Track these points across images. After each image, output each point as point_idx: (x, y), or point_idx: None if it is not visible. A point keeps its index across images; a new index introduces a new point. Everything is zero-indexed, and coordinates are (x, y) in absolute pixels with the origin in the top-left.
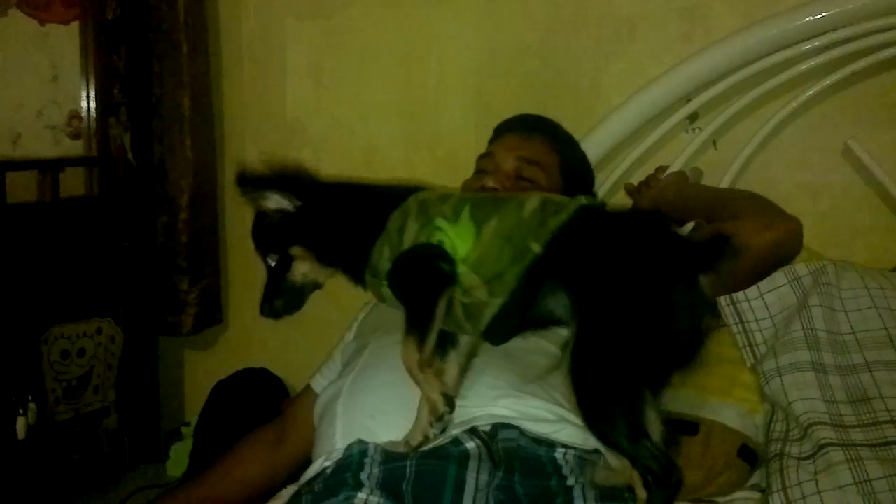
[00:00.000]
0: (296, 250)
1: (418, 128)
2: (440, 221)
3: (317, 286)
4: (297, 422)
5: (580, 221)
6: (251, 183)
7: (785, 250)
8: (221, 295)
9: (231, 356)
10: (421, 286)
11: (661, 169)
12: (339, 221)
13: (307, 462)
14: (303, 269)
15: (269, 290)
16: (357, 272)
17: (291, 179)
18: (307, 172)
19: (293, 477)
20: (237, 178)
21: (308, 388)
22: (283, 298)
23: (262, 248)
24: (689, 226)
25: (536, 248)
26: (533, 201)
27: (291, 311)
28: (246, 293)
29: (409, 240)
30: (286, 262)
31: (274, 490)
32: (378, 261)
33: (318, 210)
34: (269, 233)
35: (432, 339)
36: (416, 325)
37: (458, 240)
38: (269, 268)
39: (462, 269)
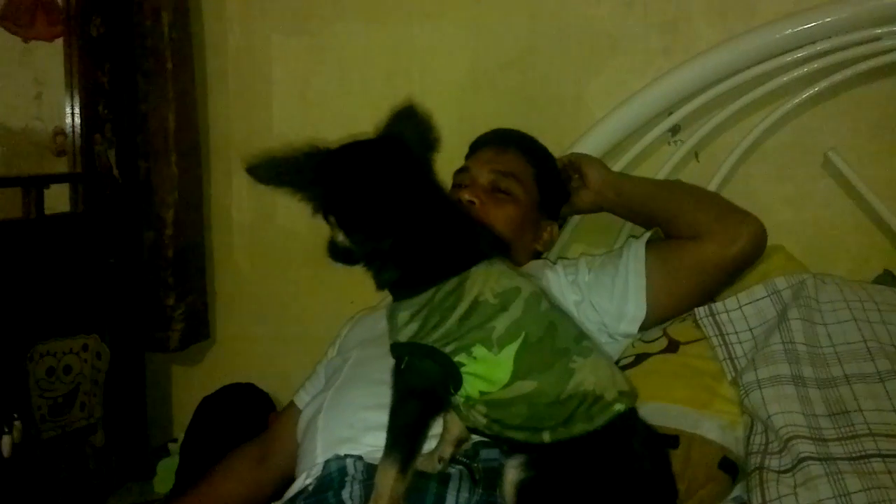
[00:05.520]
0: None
1: None
2: (478, 350)
3: None
4: (280, 438)
5: (602, 437)
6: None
7: (751, 257)
8: (208, 310)
9: (219, 371)
10: (411, 410)
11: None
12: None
13: (292, 478)
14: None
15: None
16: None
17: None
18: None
19: (278, 493)
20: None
21: (291, 404)
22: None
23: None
24: (646, 235)
25: (547, 438)
26: (578, 383)
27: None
28: (233, 308)
29: (440, 335)
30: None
31: None
32: (402, 324)
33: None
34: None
35: (413, 470)
36: (399, 451)
37: (488, 373)
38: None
39: (473, 395)
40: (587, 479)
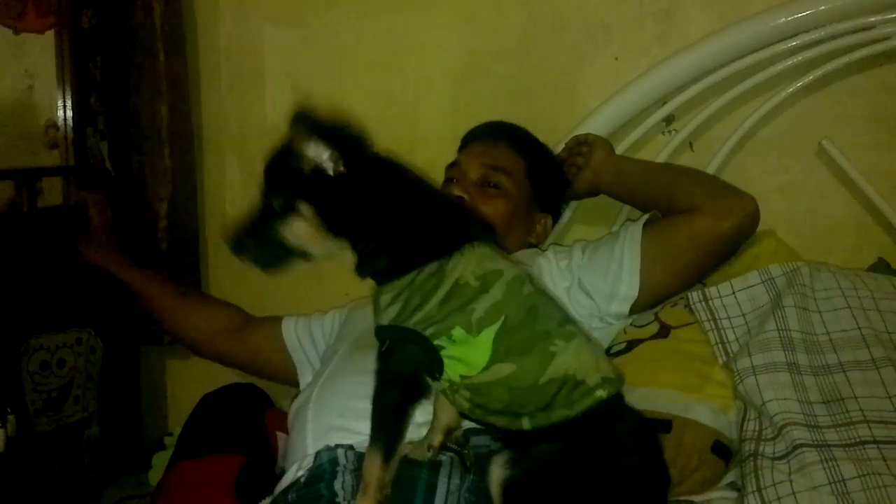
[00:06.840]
0: (304, 207)
1: (397, 134)
2: (458, 332)
3: (305, 258)
4: (257, 331)
5: (583, 425)
6: (307, 126)
7: (744, 234)
8: None
9: (213, 365)
10: (392, 397)
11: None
12: (377, 199)
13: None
14: (300, 230)
15: (248, 225)
16: (368, 256)
17: (348, 141)
18: (360, 138)
19: (269, 491)
20: (295, 116)
21: (278, 318)
22: (259, 244)
23: (270, 183)
24: (644, 217)
25: (526, 424)
26: (558, 367)
27: (264, 264)
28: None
29: (421, 317)
30: (286, 212)
31: (194, 349)
32: (384, 306)
33: (357, 182)
34: (286, 173)
35: (398, 457)
36: (383, 439)
37: (467, 356)
38: (263, 205)
39: (455, 379)
40: (571, 474)
